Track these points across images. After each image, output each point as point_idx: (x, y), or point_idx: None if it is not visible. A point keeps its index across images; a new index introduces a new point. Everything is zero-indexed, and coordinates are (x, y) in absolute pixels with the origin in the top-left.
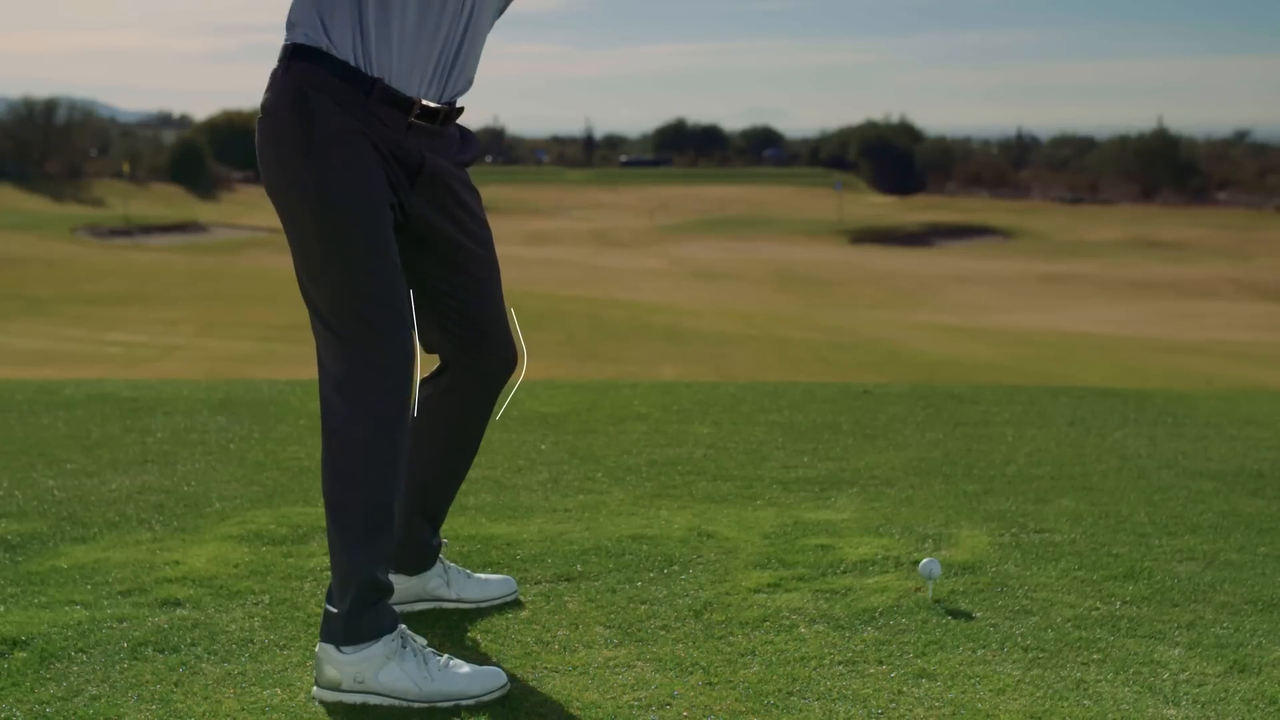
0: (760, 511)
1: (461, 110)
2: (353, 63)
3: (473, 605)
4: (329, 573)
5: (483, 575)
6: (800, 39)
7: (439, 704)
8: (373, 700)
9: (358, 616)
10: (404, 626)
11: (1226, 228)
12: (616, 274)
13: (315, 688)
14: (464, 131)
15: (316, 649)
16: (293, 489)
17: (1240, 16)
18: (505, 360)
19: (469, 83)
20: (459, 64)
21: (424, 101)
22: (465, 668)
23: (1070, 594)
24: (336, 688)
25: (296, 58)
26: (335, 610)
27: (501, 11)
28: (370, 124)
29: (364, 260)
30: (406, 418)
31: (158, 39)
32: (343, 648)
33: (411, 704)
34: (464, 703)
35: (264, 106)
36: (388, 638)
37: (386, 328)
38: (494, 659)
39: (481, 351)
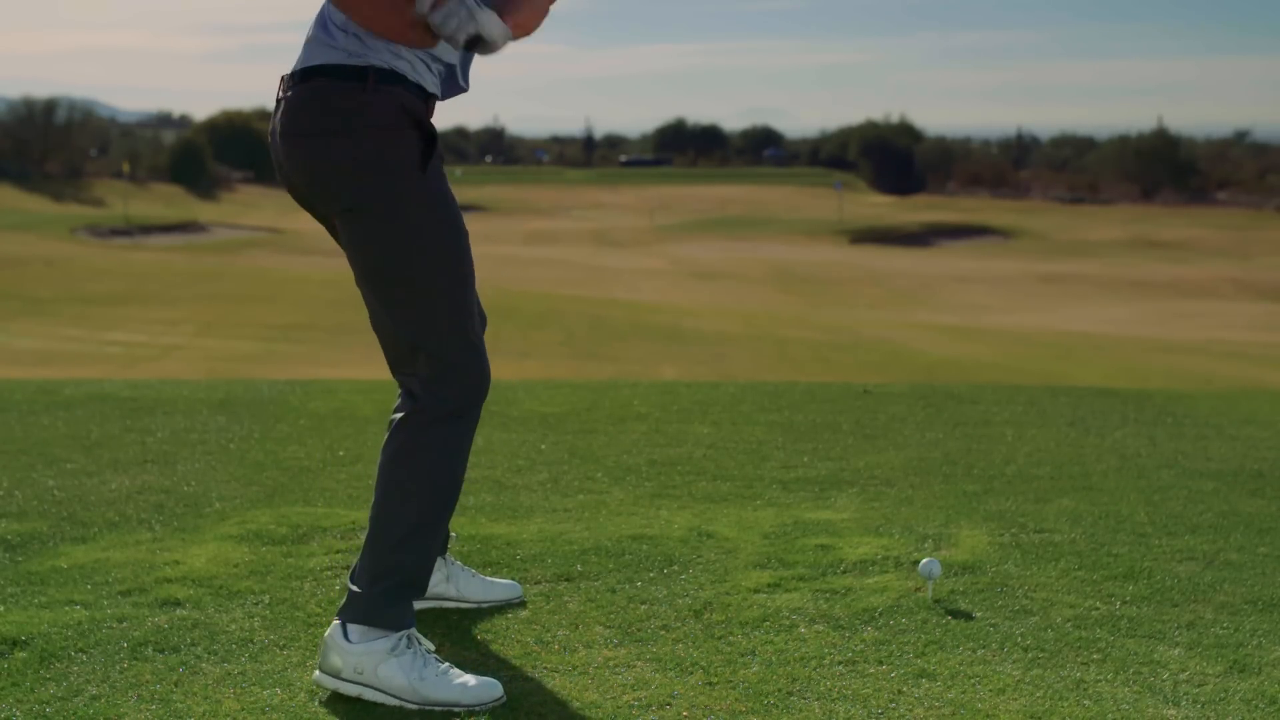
0: (760, 511)
1: None
2: (427, 88)
3: (473, 605)
4: (329, 572)
5: (488, 578)
6: (800, 39)
7: (432, 708)
8: (368, 694)
9: (386, 604)
10: (415, 630)
11: (1226, 228)
12: (616, 274)
13: (317, 671)
14: None
15: (325, 634)
16: (293, 489)
17: (1240, 16)
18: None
19: None
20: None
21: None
22: (462, 677)
23: (1070, 594)
24: (336, 675)
25: (384, 81)
26: (359, 590)
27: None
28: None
29: (467, 273)
30: (475, 427)
31: (157, 39)
32: (350, 637)
33: (406, 704)
34: (456, 710)
35: (341, 127)
36: (396, 635)
37: (478, 343)
38: (494, 658)
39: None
